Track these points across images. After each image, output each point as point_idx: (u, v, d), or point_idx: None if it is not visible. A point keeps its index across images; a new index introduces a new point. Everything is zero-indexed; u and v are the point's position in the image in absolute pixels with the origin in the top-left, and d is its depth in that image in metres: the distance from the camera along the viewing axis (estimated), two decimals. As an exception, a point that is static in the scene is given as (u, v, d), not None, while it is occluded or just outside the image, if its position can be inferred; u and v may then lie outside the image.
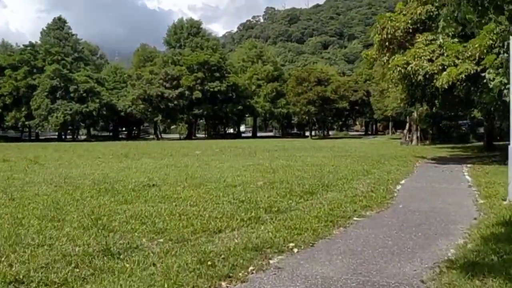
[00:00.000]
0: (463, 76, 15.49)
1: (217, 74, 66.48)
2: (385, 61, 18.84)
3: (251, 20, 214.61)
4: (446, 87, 15.99)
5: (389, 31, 18.05)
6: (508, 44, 13.92)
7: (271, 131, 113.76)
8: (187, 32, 73.29)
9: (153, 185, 11.56)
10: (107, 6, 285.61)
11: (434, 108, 26.00)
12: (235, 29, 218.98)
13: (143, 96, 61.32)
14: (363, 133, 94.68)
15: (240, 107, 67.44)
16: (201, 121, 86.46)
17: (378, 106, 59.85)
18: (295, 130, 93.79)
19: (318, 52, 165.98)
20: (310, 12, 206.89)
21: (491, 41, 14.27)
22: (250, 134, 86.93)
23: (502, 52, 14.04)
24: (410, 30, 18.36)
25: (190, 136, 74.38)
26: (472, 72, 15.77)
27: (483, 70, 15.62)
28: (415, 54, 17.18)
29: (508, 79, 14.41)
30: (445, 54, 16.82)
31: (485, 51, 14.53)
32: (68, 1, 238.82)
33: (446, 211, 8.06)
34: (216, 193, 10.13)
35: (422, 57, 17.00)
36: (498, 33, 13.46)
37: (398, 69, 17.40)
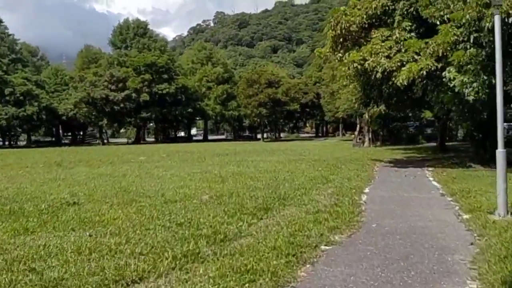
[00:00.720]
0: (424, 72, 14.26)
1: (166, 76, 63.80)
2: (339, 58, 17.44)
3: (201, 24, 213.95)
4: (406, 84, 14.69)
5: (343, 26, 16.65)
6: (476, 37, 12.86)
7: (222, 134, 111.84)
8: (133, 33, 70.01)
9: (74, 203, 9.44)
10: (55, 9, 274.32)
11: (389, 109, 24.98)
12: (185, 33, 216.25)
13: (86, 99, 57.61)
14: (313, 135, 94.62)
15: (190, 109, 65.01)
16: (151, 124, 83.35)
17: (329, 108, 59.24)
18: (247, 133, 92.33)
19: (268, 56, 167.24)
20: (259, 17, 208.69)
21: (455, 37, 13.08)
22: (201, 138, 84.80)
23: (469, 47, 12.92)
24: (366, 26, 17.06)
25: (138, 140, 71.16)
26: (433, 68, 14.59)
27: (444, 68, 14.51)
28: (371, 50, 15.84)
29: (475, 78, 13.34)
30: (403, 50, 15.58)
31: (448, 48, 13.33)
32: (16, 3, 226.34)
33: (431, 233, 6.53)
34: (150, 213, 8.20)
35: (380, 54, 15.68)
36: (467, 22, 12.27)
37: (354, 66, 16.01)
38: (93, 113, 59.40)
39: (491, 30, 11.77)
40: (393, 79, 15.52)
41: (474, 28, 12.39)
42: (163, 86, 62.59)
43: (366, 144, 39.15)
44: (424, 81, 15.47)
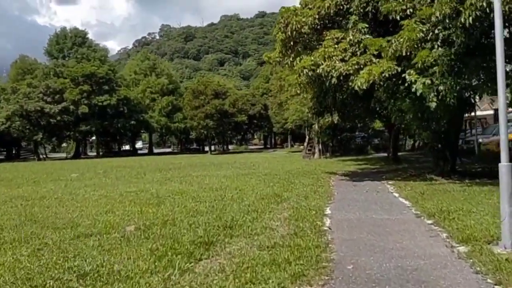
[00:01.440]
0: (387, 75, 12.87)
1: (106, 87, 60.35)
2: (289, 63, 15.84)
3: (147, 36, 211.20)
4: (366, 87, 13.23)
5: (294, 28, 15.08)
6: (445, 35, 11.55)
7: (169, 147, 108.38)
8: (71, 42, 66.05)
9: None
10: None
11: (343, 119, 23.70)
12: (130, 46, 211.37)
13: (19, 112, 53.10)
14: (262, 146, 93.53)
15: (133, 122, 61.75)
16: (93, 138, 79.00)
17: (277, 119, 58.14)
18: (194, 146, 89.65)
19: (215, 68, 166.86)
20: (205, 30, 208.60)
21: (421, 34, 11.74)
22: (147, 151, 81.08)
23: (436, 46, 11.60)
24: (318, 27, 15.60)
25: (78, 155, 66.96)
26: (394, 72, 13.25)
27: (404, 72, 13.22)
28: (324, 54, 14.32)
29: (441, 80, 12.05)
30: (359, 53, 14.18)
31: (414, 45, 11.97)
32: None
33: (430, 279, 4.78)
34: (49, 256, 6.01)
35: (333, 57, 14.19)
36: (436, 19, 10.94)
37: (305, 72, 14.43)
38: (27, 127, 54.87)
39: (465, 28, 10.52)
40: (350, 83, 14.07)
41: (443, 25, 11.08)
42: (103, 97, 59.08)
43: (316, 155, 37.98)
44: (385, 84, 14.06)
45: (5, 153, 68.96)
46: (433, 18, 11.10)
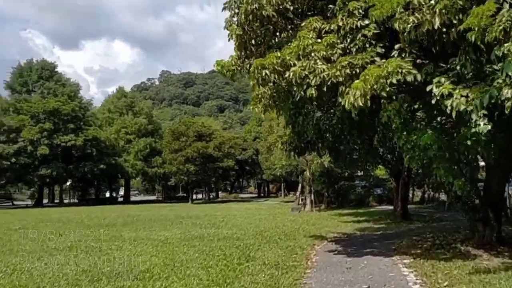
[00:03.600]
0: (395, 81, 7.84)
1: (72, 126, 55.26)
2: (247, 68, 10.75)
3: (146, 82, 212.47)
4: (362, 104, 8.06)
5: (251, 9, 10.05)
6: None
7: (160, 193, 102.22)
8: (37, 75, 61.46)
9: None
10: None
11: (336, 160, 18.28)
12: (128, 91, 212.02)
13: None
14: (256, 195, 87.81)
15: (102, 166, 56.16)
16: (68, 184, 73.32)
17: (267, 164, 52.77)
18: (181, 193, 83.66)
19: (214, 115, 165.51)
20: (206, 77, 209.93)
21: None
22: (136, 198, 75.27)
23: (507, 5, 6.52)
24: (290, 13, 10.62)
25: (39, 202, 60.92)
26: (408, 77, 8.17)
27: (427, 81, 8.24)
28: (298, 49, 9.22)
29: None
30: (354, 50, 9.05)
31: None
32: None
33: None
34: None
35: (313, 54, 9.08)
36: None
37: (265, 75, 9.30)
38: (-28, 170, 49.45)
39: None
40: (340, 99, 8.92)
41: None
42: (67, 137, 53.83)
43: (307, 207, 32.40)
44: (394, 102, 8.93)
45: None
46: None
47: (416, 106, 9.67)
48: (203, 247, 12.45)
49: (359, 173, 36.70)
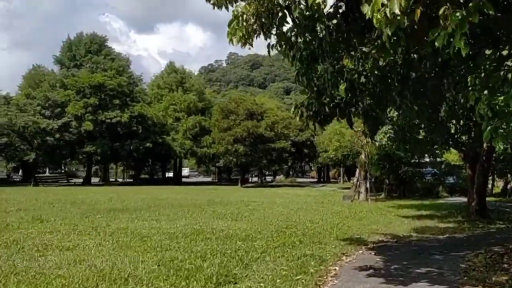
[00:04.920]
0: None
1: (117, 102, 53.71)
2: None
3: (213, 64, 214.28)
4: (400, 10, 4.17)
5: None
6: None
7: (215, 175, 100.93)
8: (85, 49, 60.42)
9: None
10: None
11: (373, 131, 14.17)
12: (196, 73, 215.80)
13: (7, 126, 47.20)
14: (316, 180, 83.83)
15: (148, 144, 54.26)
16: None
17: (322, 146, 48.49)
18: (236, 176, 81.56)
19: (280, 97, 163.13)
20: (273, 58, 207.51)
21: None
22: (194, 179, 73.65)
23: None
24: None
25: (87, 180, 60.42)
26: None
27: None
28: None
29: None
30: None
31: None
32: (30, 41, 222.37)
33: None
34: None
35: None
36: None
37: None
38: (16, 145, 48.90)
39: None
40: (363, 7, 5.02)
41: None
42: (113, 113, 52.33)
43: (362, 196, 28.27)
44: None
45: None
46: None
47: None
48: (180, 254, 9.04)
49: (428, 159, 32.05)
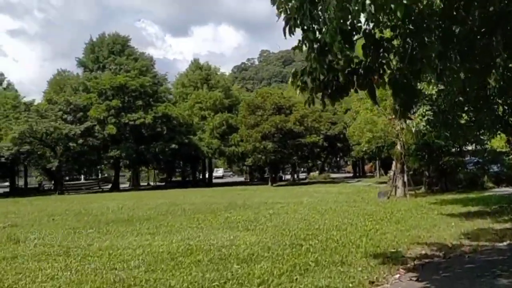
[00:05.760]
0: None
1: (140, 102, 52.09)
2: None
3: (246, 62, 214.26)
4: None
5: None
6: None
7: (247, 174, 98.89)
8: (108, 50, 59.07)
9: None
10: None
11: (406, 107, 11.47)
12: (227, 71, 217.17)
13: (29, 134, 46.18)
14: (351, 175, 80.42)
15: (174, 145, 52.34)
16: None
17: (355, 138, 45.37)
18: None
19: None
20: (305, 54, 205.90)
21: None
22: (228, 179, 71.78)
23: None
24: None
25: (115, 186, 59.19)
26: None
27: None
28: None
29: None
30: None
31: None
32: (69, 51, 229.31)
33: None
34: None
35: None
36: None
37: None
38: (38, 152, 47.77)
39: None
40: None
41: None
42: (136, 115, 50.69)
43: (399, 191, 25.36)
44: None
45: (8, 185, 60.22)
46: None
47: None
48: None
49: (469, 147, 28.82)
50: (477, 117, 12.34)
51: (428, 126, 13.57)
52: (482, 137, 18.33)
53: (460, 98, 12.06)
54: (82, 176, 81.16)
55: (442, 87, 11.69)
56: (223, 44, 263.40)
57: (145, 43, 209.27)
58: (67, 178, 67.95)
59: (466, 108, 12.89)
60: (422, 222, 13.81)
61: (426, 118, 13.22)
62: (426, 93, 11.84)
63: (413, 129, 13.68)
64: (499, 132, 15.45)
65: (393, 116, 21.14)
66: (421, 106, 13.15)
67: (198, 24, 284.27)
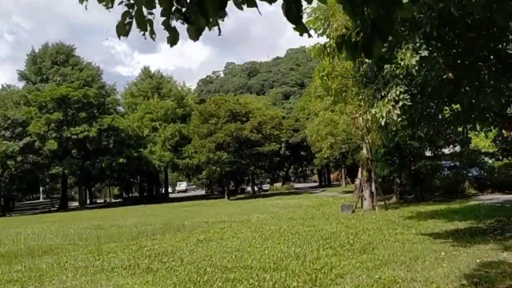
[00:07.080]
0: None
1: (83, 114, 46.84)
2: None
3: (211, 75, 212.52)
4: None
5: None
6: None
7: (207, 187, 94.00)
8: (51, 61, 53.62)
9: None
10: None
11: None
12: (194, 86, 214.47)
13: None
14: (317, 184, 76.54)
15: (121, 160, 47.26)
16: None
17: (316, 144, 41.25)
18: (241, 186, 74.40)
19: (280, 102, 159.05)
20: (270, 64, 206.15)
21: None
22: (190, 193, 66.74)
23: None
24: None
25: (64, 205, 53.35)
26: None
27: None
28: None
29: None
30: None
31: None
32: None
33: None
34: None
35: None
36: None
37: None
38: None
39: None
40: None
41: None
42: (79, 128, 45.43)
43: (366, 204, 21.26)
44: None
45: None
46: None
47: None
48: None
49: (445, 150, 25.18)
50: (476, 100, 8.27)
51: (403, 116, 9.46)
52: (467, 134, 14.42)
53: (449, 74, 8.10)
54: (41, 196, 75.25)
55: (426, 53, 7.66)
56: (190, 60, 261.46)
57: (114, 62, 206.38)
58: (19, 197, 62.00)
59: (456, 96, 8.86)
60: (398, 251, 9.67)
61: (401, 104, 9.08)
62: (402, 64, 7.79)
63: (382, 121, 9.61)
64: (494, 123, 11.40)
65: (357, 114, 16.98)
66: (393, 86, 8.99)
67: (165, 40, 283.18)
